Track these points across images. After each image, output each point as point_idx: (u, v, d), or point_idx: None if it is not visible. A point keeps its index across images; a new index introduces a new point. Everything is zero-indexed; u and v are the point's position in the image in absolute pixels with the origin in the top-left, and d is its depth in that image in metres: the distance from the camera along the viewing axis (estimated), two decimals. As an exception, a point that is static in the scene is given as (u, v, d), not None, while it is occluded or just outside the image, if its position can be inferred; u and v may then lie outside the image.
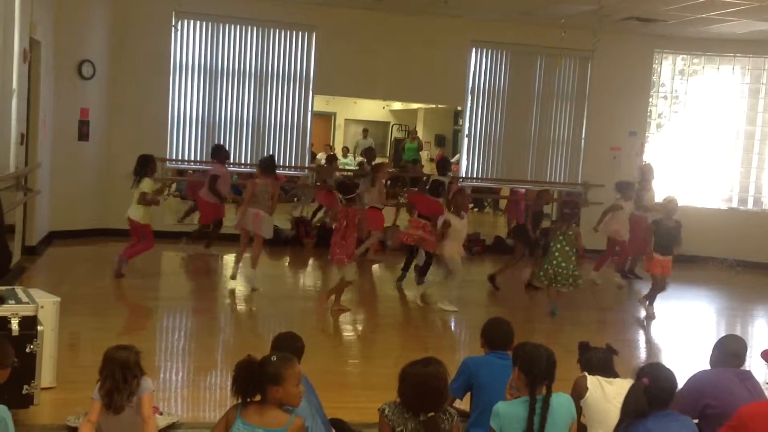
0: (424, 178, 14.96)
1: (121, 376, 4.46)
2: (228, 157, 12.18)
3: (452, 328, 9.39)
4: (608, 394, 4.50)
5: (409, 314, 9.59)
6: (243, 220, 10.00)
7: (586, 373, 4.72)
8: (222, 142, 13.16)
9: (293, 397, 4.00)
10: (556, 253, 9.48)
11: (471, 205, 10.76)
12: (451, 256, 9.47)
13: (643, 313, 10.07)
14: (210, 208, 11.83)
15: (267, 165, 10.17)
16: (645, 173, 12.25)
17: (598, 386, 4.62)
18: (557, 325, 9.35)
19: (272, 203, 10.03)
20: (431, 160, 23.63)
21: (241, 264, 10.19)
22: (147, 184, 9.79)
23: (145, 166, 9.87)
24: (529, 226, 11.21)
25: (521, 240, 11.32)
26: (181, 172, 15.24)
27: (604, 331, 9.08)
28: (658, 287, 9.93)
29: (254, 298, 9.90)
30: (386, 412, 4.07)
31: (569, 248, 9.47)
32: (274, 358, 4.02)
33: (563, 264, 9.44)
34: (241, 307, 9.73)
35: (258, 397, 4.02)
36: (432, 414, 3.99)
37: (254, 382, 3.95)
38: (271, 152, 13.56)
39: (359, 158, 22.72)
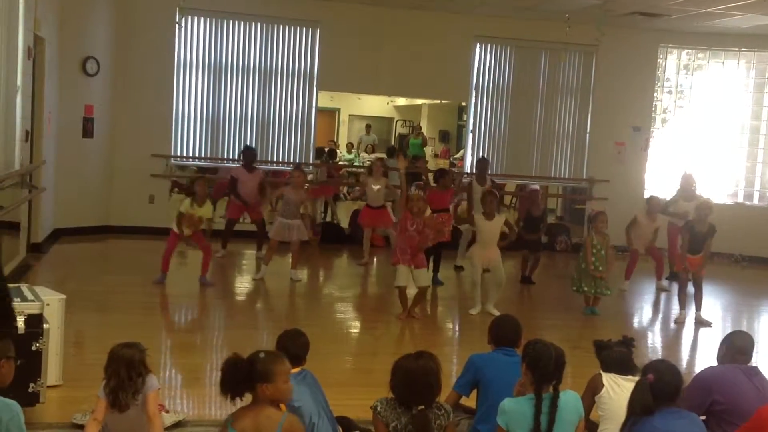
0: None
1: (126, 374, 4.45)
2: (253, 160, 11.79)
3: (461, 325, 9.36)
4: (623, 392, 4.48)
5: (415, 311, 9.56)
6: (277, 232, 10.24)
7: (602, 371, 4.74)
8: (226, 139, 13.16)
9: (283, 394, 3.92)
10: (596, 262, 9.51)
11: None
12: (476, 264, 9.35)
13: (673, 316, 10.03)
14: (237, 205, 11.74)
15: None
16: (684, 182, 11.92)
17: (613, 384, 4.65)
18: (565, 321, 9.35)
19: (307, 212, 10.28)
20: (435, 155, 23.63)
21: (265, 267, 10.38)
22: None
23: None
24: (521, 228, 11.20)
25: (525, 248, 11.36)
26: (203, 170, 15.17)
27: (614, 328, 9.03)
28: (684, 285, 9.78)
29: (260, 296, 9.96)
30: (379, 408, 4.07)
31: (603, 252, 9.56)
32: (262, 354, 3.93)
33: (602, 270, 9.53)
34: (246, 304, 9.74)
35: (246, 399, 3.95)
36: (422, 407, 3.98)
37: (242, 380, 3.85)
38: (275, 148, 13.64)
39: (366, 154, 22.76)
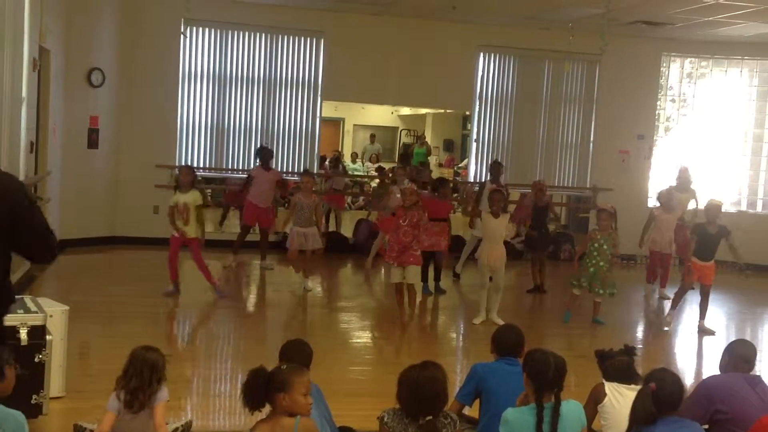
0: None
1: (149, 376, 4.54)
2: (269, 158, 11.87)
3: (464, 334, 9.36)
4: (626, 401, 4.48)
5: (418, 320, 9.56)
6: (294, 242, 10.23)
7: (604, 380, 4.74)
8: (231, 149, 13.19)
9: (300, 406, 3.90)
10: (598, 257, 9.33)
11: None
12: (483, 263, 9.30)
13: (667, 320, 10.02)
14: (253, 209, 11.63)
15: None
16: (680, 175, 11.82)
17: (615, 393, 4.65)
18: (570, 330, 9.34)
19: (317, 219, 10.36)
20: (440, 165, 23.63)
21: (306, 280, 10.46)
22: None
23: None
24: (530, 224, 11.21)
25: (532, 248, 11.38)
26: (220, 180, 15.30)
27: (616, 337, 9.02)
28: (683, 291, 9.69)
29: (265, 306, 9.99)
30: (386, 419, 4.06)
31: (609, 252, 9.35)
32: (284, 366, 3.99)
33: (604, 267, 9.32)
34: (250, 314, 9.75)
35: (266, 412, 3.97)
36: (430, 418, 3.99)
37: (263, 390, 3.87)
38: (280, 158, 13.65)
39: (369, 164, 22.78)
